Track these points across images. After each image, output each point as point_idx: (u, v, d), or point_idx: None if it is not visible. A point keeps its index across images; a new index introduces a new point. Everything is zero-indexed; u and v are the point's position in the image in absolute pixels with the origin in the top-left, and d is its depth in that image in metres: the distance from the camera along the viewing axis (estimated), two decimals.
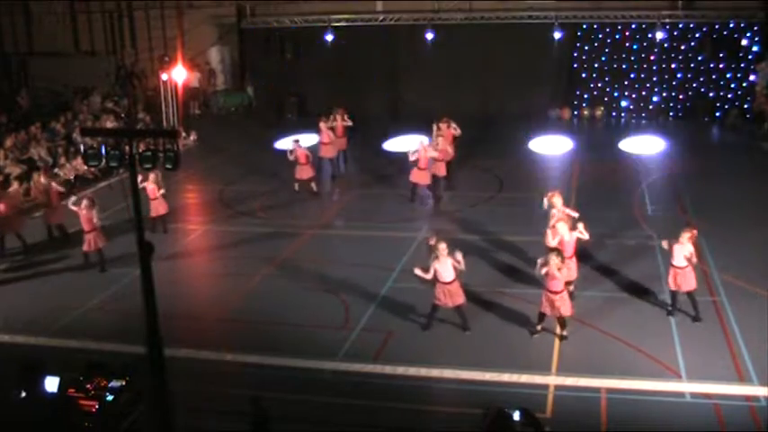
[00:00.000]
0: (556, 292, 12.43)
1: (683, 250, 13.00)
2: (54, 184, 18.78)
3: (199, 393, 11.08)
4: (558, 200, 14.67)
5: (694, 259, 13.09)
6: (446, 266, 12.66)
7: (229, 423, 10.44)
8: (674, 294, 13.43)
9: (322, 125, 22.91)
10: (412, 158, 19.98)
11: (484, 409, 8.86)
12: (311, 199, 21.23)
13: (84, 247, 16.35)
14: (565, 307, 12.50)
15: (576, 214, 14.42)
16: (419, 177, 20.11)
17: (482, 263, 16.04)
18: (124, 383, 9.57)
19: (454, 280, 12.76)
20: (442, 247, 12.68)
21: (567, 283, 13.51)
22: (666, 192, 21.01)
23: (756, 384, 11.23)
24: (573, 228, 13.73)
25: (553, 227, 14.18)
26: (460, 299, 12.91)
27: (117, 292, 15.17)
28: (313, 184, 21.44)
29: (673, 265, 13.18)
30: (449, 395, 11.45)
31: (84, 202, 16.33)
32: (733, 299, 13.99)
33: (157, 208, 18.26)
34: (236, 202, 21.13)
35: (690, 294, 13.24)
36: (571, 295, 13.68)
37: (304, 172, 21.33)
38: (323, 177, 22.47)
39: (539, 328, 12.88)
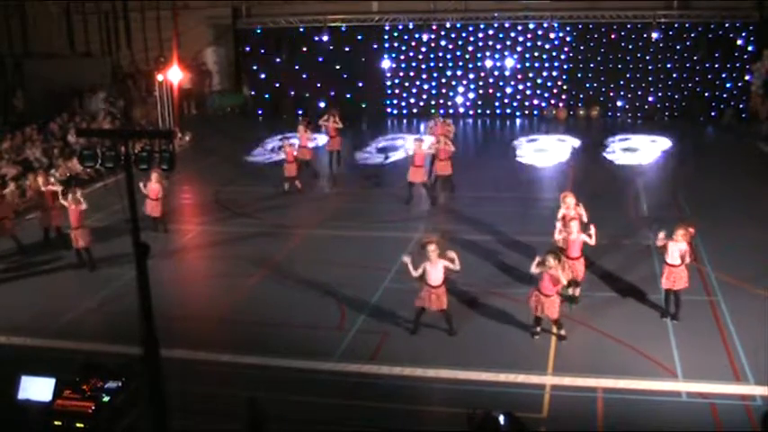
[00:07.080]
0: (546, 295, 12.35)
1: (678, 248, 12.89)
2: (50, 186, 18.63)
3: (195, 394, 11.05)
4: (571, 200, 14.67)
5: (688, 258, 12.95)
6: (437, 270, 12.54)
7: (226, 424, 10.42)
8: (667, 294, 13.29)
9: (301, 128, 23.04)
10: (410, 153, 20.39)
11: (469, 412, 8.70)
12: (306, 199, 21.25)
13: (74, 245, 16.31)
14: (552, 310, 12.38)
15: (585, 217, 14.40)
16: (416, 176, 20.09)
17: (479, 263, 16.04)
18: (120, 384, 9.54)
19: (441, 285, 12.65)
20: (434, 248, 12.55)
21: (575, 285, 13.50)
22: (662, 191, 21.04)
23: (752, 384, 11.23)
24: (584, 230, 13.66)
25: (564, 222, 14.13)
26: (444, 304, 12.75)
27: (113, 292, 15.12)
28: (297, 183, 21.60)
29: (667, 264, 13.02)
30: (445, 395, 11.42)
31: (71, 197, 16.29)
32: (729, 298, 13.99)
33: (154, 209, 18.24)
34: (232, 203, 21.11)
35: (677, 293, 13.14)
36: (575, 298, 13.69)
37: (289, 170, 21.48)
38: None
39: (538, 329, 12.81)
